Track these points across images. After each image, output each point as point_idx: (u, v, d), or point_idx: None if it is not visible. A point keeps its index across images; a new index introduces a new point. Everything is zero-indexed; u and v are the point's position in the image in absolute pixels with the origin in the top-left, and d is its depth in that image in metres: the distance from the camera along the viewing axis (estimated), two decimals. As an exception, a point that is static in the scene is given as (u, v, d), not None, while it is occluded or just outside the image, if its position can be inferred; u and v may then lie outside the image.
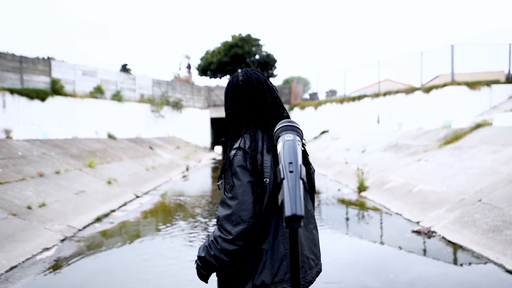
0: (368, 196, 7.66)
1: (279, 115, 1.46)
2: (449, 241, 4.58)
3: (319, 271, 1.46)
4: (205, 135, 26.67)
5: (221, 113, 27.12)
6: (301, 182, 0.68)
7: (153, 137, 19.03)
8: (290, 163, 0.70)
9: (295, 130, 0.83)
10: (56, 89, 18.36)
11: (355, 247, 4.72)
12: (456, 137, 8.36)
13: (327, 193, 8.55)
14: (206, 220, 6.11)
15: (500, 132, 7.51)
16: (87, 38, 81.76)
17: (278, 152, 0.77)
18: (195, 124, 26.02)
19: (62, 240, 4.92)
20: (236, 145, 1.35)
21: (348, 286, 3.40)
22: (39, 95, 17.23)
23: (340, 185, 9.26)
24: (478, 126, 8.35)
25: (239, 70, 1.49)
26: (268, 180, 1.30)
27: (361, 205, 7.08)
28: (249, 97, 1.43)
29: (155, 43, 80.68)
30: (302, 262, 1.38)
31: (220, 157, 20.62)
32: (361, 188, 8.08)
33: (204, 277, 1.40)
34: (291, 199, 0.63)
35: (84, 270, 3.94)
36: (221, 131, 29.23)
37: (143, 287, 3.49)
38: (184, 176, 11.79)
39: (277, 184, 1.08)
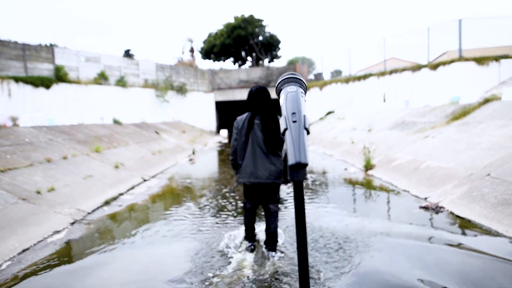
0: (375, 174, 7.63)
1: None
2: (457, 216, 4.57)
3: (275, 183, 3.33)
4: (210, 119, 26.64)
5: (225, 96, 27.00)
6: (305, 132, 0.65)
7: (158, 122, 19.05)
8: (293, 113, 0.67)
9: (298, 82, 0.79)
10: (60, 76, 18.36)
11: (362, 225, 4.71)
12: (464, 112, 8.24)
13: (334, 172, 8.53)
14: (214, 202, 6.14)
15: (509, 107, 7.38)
16: (89, 24, 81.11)
17: (280, 104, 0.74)
18: (200, 108, 25.97)
19: (72, 223, 4.99)
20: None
21: (359, 264, 3.40)
22: (44, 82, 17.25)
23: (346, 165, 9.24)
24: (486, 101, 8.21)
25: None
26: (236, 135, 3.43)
27: (368, 184, 7.06)
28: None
29: (157, 27, 79.86)
30: (255, 177, 3.32)
31: (225, 141, 20.62)
32: (368, 166, 8.05)
33: (234, 168, 3.53)
34: (294, 148, 0.61)
35: (94, 252, 3.99)
36: (226, 114, 29.18)
37: (152, 271, 3.53)
38: (191, 160, 11.84)
39: (250, 129, 3.35)
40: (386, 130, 10.80)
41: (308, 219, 4.63)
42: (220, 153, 14.54)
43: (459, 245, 3.69)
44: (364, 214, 5.11)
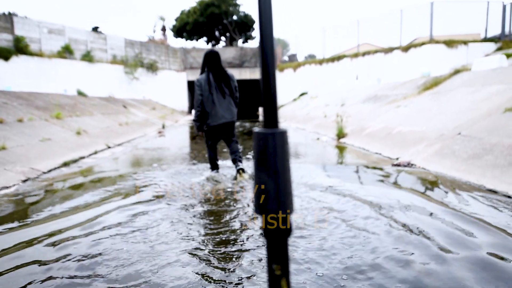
0: (347, 141, 7.56)
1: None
2: (429, 171, 4.52)
3: (233, 121, 4.38)
4: (182, 99, 26.00)
5: (198, 75, 26.37)
6: None
7: (127, 99, 18.34)
8: None
9: None
10: (20, 47, 17.22)
11: (332, 182, 4.57)
12: (435, 83, 8.27)
13: (306, 141, 8.41)
14: (181, 166, 5.85)
15: (479, 75, 7.45)
16: None
17: None
18: (171, 87, 25.26)
19: (24, 181, 4.59)
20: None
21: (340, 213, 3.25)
22: (2, 53, 16.16)
23: (319, 135, 9.14)
24: (457, 71, 8.27)
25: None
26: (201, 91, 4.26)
27: (340, 149, 6.97)
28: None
29: (127, 4, 76.85)
30: (224, 118, 4.28)
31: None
32: (340, 135, 7.97)
33: (199, 128, 4.39)
34: None
35: (44, 205, 3.64)
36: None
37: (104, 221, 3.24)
38: (160, 132, 11.41)
39: (210, 85, 4.28)
40: (358, 104, 10.78)
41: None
42: (192, 128, 14.15)
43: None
44: (335, 175, 4.97)
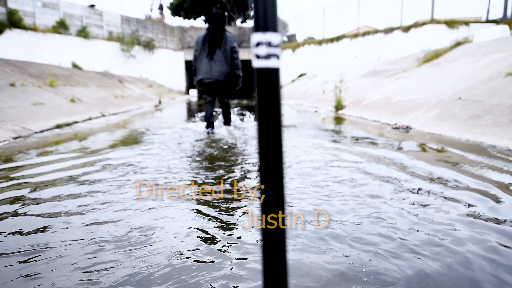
0: (345, 113, 7.47)
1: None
2: (428, 133, 4.45)
3: (224, 80, 4.59)
4: (180, 78, 25.71)
5: (195, 55, 26.01)
6: None
7: (124, 75, 18.08)
8: None
9: None
10: (14, 21, 16.82)
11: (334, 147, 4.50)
12: (436, 55, 8.15)
13: (304, 114, 8.31)
14: (176, 129, 5.75)
15: (480, 46, 7.32)
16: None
17: None
18: (168, 66, 24.92)
19: (16, 138, 4.49)
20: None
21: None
22: (-5, 26, 15.80)
23: (317, 108, 9.04)
24: (458, 44, 8.14)
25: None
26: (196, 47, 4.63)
27: (337, 119, 6.88)
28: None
29: (125, -14, 75.32)
30: (210, 75, 4.53)
31: (195, 99, 19.98)
32: (339, 107, 7.87)
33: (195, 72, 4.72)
34: None
35: (35, 160, 3.56)
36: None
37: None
38: (156, 106, 11.27)
39: (205, 42, 4.68)
40: (357, 79, 10.64)
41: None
42: (189, 104, 14.00)
43: (430, 149, 3.55)
44: (334, 140, 4.91)
